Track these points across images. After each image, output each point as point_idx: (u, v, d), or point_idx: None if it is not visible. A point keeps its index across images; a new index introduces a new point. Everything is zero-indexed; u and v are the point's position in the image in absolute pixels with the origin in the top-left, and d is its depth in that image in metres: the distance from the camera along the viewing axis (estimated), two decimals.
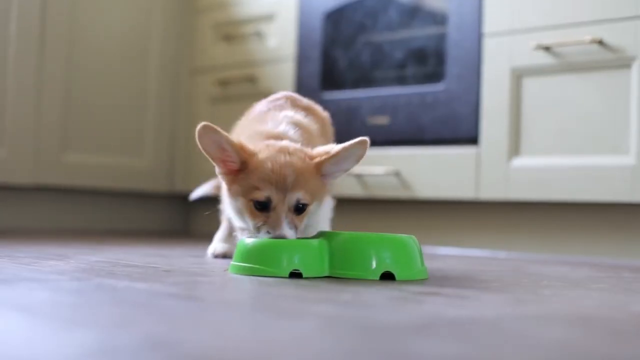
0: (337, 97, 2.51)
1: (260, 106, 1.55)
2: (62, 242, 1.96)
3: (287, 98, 1.56)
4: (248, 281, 1.17)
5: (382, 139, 2.41)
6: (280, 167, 1.27)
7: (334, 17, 2.57)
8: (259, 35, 2.76)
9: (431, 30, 2.36)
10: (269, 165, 1.27)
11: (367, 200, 2.53)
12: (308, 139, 1.43)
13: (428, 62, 2.36)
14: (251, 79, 2.76)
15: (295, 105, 1.53)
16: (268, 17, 2.74)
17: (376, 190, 2.41)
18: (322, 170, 1.32)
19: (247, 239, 1.27)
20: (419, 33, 2.38)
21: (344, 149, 1.30)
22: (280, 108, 1.50)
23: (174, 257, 1.64)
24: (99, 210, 2.85)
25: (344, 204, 2.59)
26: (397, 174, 2.36)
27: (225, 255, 1.66)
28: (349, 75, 2.53)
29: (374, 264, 1.24)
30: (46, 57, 2.60)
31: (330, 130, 1.68)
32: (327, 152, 1.32)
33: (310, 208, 1.32)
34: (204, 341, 0.66)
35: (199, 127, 1.27)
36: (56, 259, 1.43)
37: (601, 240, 2.10)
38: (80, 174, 2.69)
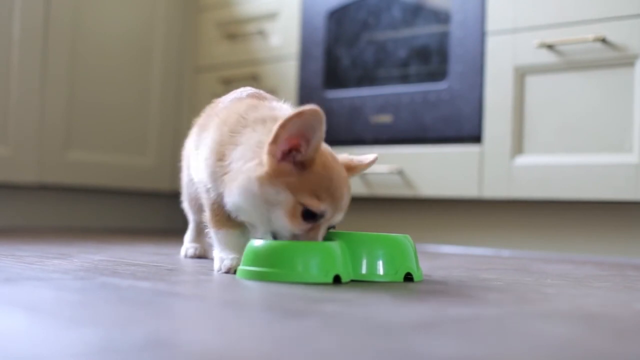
0: (340, 96, 2.51)
1: (241, 98, 1.35)
2: (65, 241, 1.96)
3: (255, 90, 1.40)
4: (252, 280, 1.17)
5: (385, 137, 2.41)
6: (341, 185, 1.17)
7: (337, 16, 2.57)
8: (262, 33, 2.76)
9: (434, 29, 2.36)
10: (334, 177, 1.16)
11: (370, 199, 2.53)
12: None
13: (431, 61, 2.36)
14: (254, 78, 2.76)
15: (265, 96, 1.37)
16: (271, 16, 2.74)
17: (379, 188, 2.41)
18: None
19: (256, 241, 1.17)
20: (422, 31, 2.38)
21: (368, 166, 1.29)
22: (260, 99, 1.34)
23: (177, 255, 1.64)
24: (103, 208, 2.85)
25: None
26: (400, 173, 2.36)
27: (198, 256, 1.60)
28: (352, 74, 2.53)
29: (380, 266, 1.20)
30: (50, 56, 2.61)
31: None
32: (358, 166, 1.28)
33: None
34: (208, 340, 0.66)
35: (312, 109, 1.09)
36: (60, 257, 1.43)
37: (604, 239, 2.09)
38: (84, 173, 2.69)
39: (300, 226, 1.15)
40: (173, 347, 0.61)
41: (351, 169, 1.26)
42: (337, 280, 1.13)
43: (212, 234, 1.30)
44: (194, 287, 1.09)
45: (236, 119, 1.23)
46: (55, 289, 0.96)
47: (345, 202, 1.18)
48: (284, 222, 1.15)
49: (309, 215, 1.15)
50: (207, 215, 1.31)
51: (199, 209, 1.59)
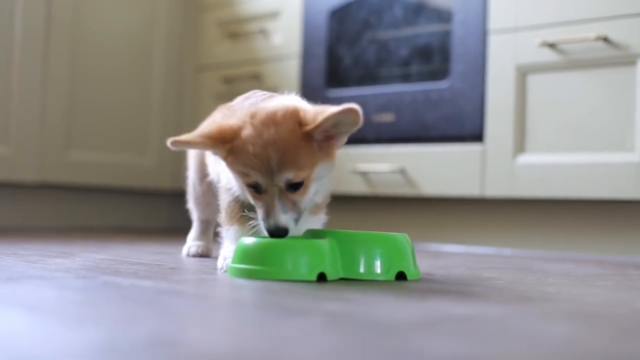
0: (342, 95, 2.51)
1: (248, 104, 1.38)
2: (67, 240, 1.96)
3: (271, 94, 1.41)
4: (253, 279, 1.17)
5: (387, 136, 2.41)
6: (262, 149, 1.15)
7: (338, 15, 2.56)
8: (263, 32, 2.76)
9: (436, 28, 2.36)
10: (250, 148, 1.15)
11: (372, 198, 2.53)
12: None
13: (433, 60, 2.36)
14: (256, 77, 2.76)
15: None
16: (273, 15, 2.74)
17: (381, 187, 2.41)
18: (314, 138, 1.17)
19: (246, 239, 1.19)
20: (424, 30, 2.38)
21: (328, 119, 1.14)
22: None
23: (179, 254, 1.64)
24: (104, 208, 2.85)
25: (348, 202, 2.59)
26: (402, 172, 2.36)
27: (201, 255, 1.61)
28: (354, 73, 2.53)
29: (378, 265, 1.20)
30: (51, 55, 2.61)
31: None
32: (314, 120, 1.16)
33: (313, 177, 1.19)
34: (210, 339, 0.66)
35: (169, 144, 1.20)
36: (62, 256, 1.43)
37: (606, 238, 2.09)
38: (85, 172, 2.70)
39: (258, 200, 1.19)
40: (175, 347, 0.61)
41: (318, 117, 1.16)
42: (322, 278, 1.13)
43: (224, 231, 1.33)
44: (196, 286, 1.09)
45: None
46: (57, 288, 0.96)
47: (274, 164, 1.15)
48: (250, 200, 1.21)
49: (253, 188, 1.19)
50: (222, 213, 1.35)
51: (205, 207, 1.60)
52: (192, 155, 1.61)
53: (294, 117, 1.17)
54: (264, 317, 0.80)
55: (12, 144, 2.52)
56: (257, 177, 1.16)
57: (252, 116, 1.18)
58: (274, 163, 1.15)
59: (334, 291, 1.03)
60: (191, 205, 1.66)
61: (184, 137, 1.20)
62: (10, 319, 0.73)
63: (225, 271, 1.25)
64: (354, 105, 1.14)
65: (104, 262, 1.34)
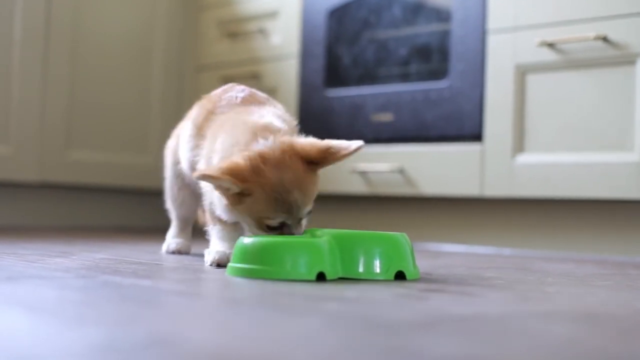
0: (341, 94, 2.51)
1: (226, 99, 1.43)
2: (67, 240, 1.96)
3: (249, 90, 1.46)
4: (253, 279, 1.17)
5: (386, 135, 2.41)
6: (288, 194, 1.21)
7: (337, 14, 2.56)
8: (262, 32, 2.76)
9: (435, 27, 2.36)
10: (275, 196, 1.21)
11: (371, 198, 2.53)
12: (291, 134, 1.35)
13: (432, 59, 2.36)
14: (255, 76, 2.76)
15: (258, 99, 1.44)
16: (272, 14, 2.74)
17: (380, 187, 2.41)
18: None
19: (245, 239, 1.19)
20: (423, 30, 2.38)
21: (341, 157, 1.24)
22: (253, 103, 1.41)
23: (179, 254, 1.64)
24: (104, 207, 2.85)
25: (348, 202, 2.59)
26: (401, 171, 2.36)
27: (180, 252, 1.64)
28: (353, 72, 2.53)
29: (377, 265, 1.20)
30: (51, 55, 2.61)
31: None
32: (324, 155, 1.24)
33: None
34: (209, 338, 0.66)
35: (194, 177, 1.26)
36: (61, 256, 1.43)
37: (606, 237, 2.09)
38: (85, 172, 2.70)
39: (272, 233, 1.24)
40: (175, 346, 0.61)
41: (327, 157, 1.24)
42: (321, 277, 1.14)
43: (210, 229, 1.39)
44: (196, 286, 1.09)
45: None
46: (57, 288, 0.96)
47: (300, 201, 1.22)
48: (260, 232, 1.25)
49: (272, 228, 1.24)
50: (206, 214, 1.42)
51: (180, 204, 1.63)
52: (168, 153, 1.64)
53: (298, 155, 1.23)
54: (263, 317, 0.80)
55: (12, 144, 2.52)
56: (282, 218, 1.22)
57: (263, 158, 1.21)
58: (300, 203, 1.22)
59: (333, 291, 1.03)
60: (169, 204, 1.69)
61: (210, 171, 1.23)
62: (10, 319, 0.73)
63: (210, 265, 1.32)
64: (360, 143, 1.23)
65: (104, 262, 1.34)
